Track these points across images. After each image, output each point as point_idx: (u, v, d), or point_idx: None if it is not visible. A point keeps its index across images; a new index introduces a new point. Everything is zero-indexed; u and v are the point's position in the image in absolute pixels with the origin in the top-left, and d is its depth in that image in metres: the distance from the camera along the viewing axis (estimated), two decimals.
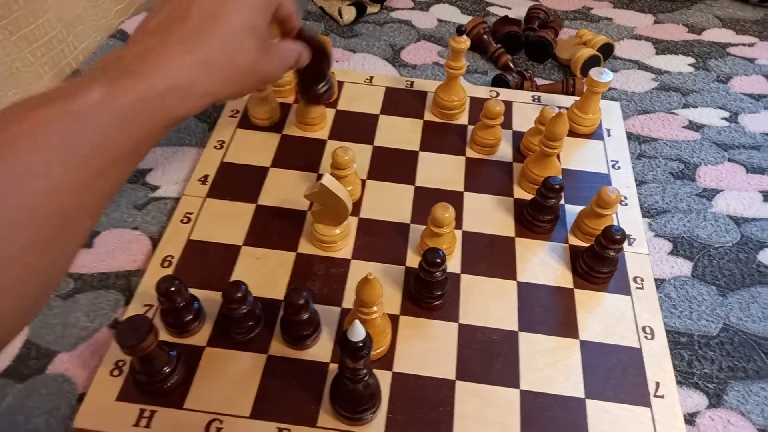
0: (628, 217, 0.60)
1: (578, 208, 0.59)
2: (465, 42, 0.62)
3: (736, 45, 0.85)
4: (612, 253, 0.52)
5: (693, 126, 0.72)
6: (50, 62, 0.67)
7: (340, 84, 0.72)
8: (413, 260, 0.55)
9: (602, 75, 0.63)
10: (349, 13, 0.86)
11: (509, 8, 0.91)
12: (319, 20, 0.87)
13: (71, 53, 0.70)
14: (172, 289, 0.46)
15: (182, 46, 0.33)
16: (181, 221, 0.57)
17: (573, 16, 0.90)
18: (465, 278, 0.54)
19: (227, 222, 0.57)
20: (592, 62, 0.77)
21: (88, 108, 0.27)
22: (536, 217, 0.57)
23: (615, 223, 0.59)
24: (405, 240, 0.57)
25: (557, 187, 0.55)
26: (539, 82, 0.77)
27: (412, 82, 0.74)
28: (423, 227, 0.56)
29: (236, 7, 0.35)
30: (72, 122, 0.27)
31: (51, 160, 0.26)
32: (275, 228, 0.57)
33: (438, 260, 0.48)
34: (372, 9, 0.88)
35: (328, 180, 0.51)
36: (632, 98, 0.76)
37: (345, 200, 0.52)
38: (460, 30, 0.62)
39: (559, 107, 0.62)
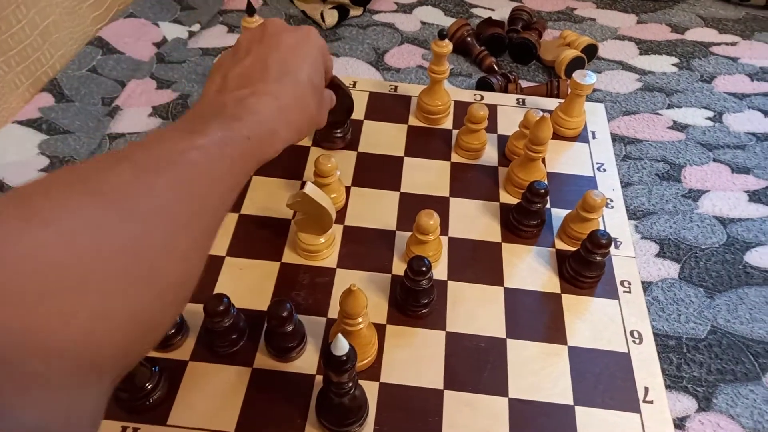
0: (615, 220, 0.60)
1: (565, 212, 0.59)
2: (447, 46, 0.62)
3: (719, 44, 0.85)
4: (598, 258, 0.51)
5: (678, 126, 0.72)
6: (26, 71, 0.66)
7: None
8: (399, 268, 0.54)
9: (585, 78, 0.63)
10: (332, 17, 0.85)
11: (493, 10, 0.91)
12: (301, 24, 0.86)
13: (47, 62, 0.68)
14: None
15: (269, 96, 0.37)
16: None
17: (556, 17, 0.90)
18: (452, 285, 0.54)
19: None
20: (576, 63, 0.77)
21: (212, 144, 0.30)
22: (522, 222, 0.57)
23: (601, 226, 0.59)
24: (390, 247, 0.56)
25: (542, 191, 0.54)
26: (524, 84, 0.77)
27: (396, 87, 0.73)
28: (409, 234, 0.56)
29: (303, 65, 0.41)
30: (200, 156, 0.30)
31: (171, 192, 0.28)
32: (259, 238, 0.57)
33: (423, 268, 0.47)
34: (354, 12, 0.88)
35: (310, 188, 0.50)
36: (617, 99, 0.76)
37: (328, 209, 0.51)
38: (442, 34, 0.61)
39: (544, 110, 0.62)
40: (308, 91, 0.41)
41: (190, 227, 0.28)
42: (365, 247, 0.56)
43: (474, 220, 0.59)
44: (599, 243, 0.50)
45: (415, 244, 0.53)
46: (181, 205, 0.28)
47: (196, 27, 0.82)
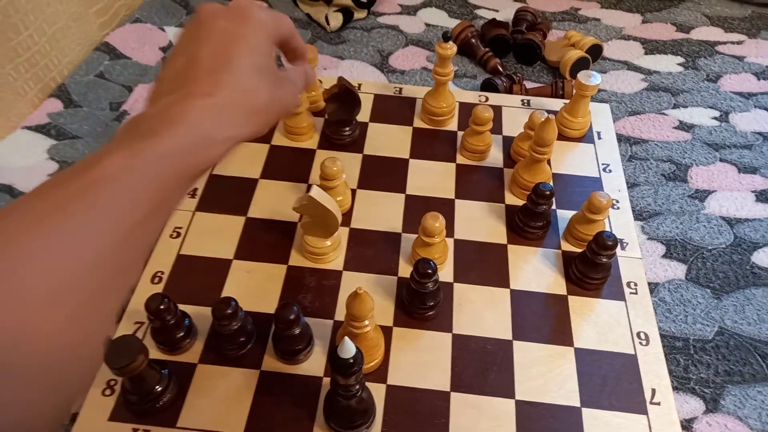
0: (621, 221, 0.60)
1: (570, 213, 0.59)
2: (451, 48, 0.62)
3: (724, 43, 0.85)
4: (604, 260, 0.51)
5: (684, 126, 0.72)
6: (34, 78, 0.66)
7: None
8: (405, 270, 0.55)
9: (590, 78, 0.63)
10: (336, 20, 0.85)
11: (497, 11, 0.91)
12: (306, 27, 0.87)
13: (55, 68, 0.69)
14: (162, 307, 0.45)
15: (198, 94, 0.33)
16: (171, 236, 0.57)
17: (561, 18, 0.90)
18: (458, 287, 0.54)
19: (217, 236, 0.57)
20: (581, 64, 0.77)
21: (110, 176, 0.28)
22: (528, 224, 0.57)
23: (607, 227, 0.59)
24: (396, 250, 0.57)
25: (547, 193, 0.54)
26: (528, 85, 0.77)
27: (401, 89, 0.74)
28: (415, 236, 0.56)
29: (242, 51, 0.35)
30: (97, 192, 0.27)
31: (82, 229, 0.26)
32: (265, 241, 0.57)
33: (429, 271, 0.47)
34: (359, 15, 0.88)
35: (316, 192, 0.50)
36: (622, 99, 0.76)
37: (334, 212, 0.51)
38: (446, 36, 0.61)
39: (549, 111, 0.62)
40: (254, 78, 0.36)
41: (96, 270, 0.26)
42: (371, 250, 0.57)
43: (479, 221, 0.59)
44: (605, 244, 0.50)
45: (421, 247, 0.53)
46: (79, 249, 0.26)
47: None
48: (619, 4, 0.93)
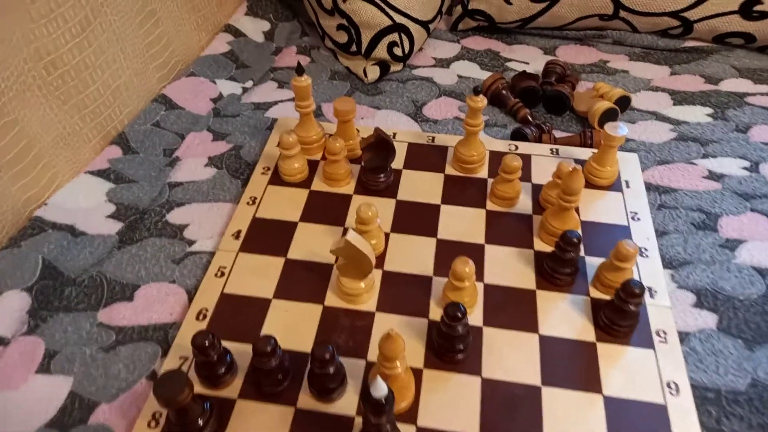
0: (649, 269, 0.61)
1: (599, 261, 0.60)
2: (482, 101, 0.66)
3: (754, 94, 0.86)
4: (632, 307, 0.52)
5: (713, 176, 0.73)
6: (97, 127, 0.73)
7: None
8: (436, 313, 0.57)
9: (617, 129, 0.65)
10: (374, 72, 0.91)
11: (527, 63, 0.95)
12: (345, 79, 0.92)
13: (117, 117, 0.76)
14: (206, 343, 0.48)
15: None
16: (215, 275, 0.60)
17: (590, 69, 0.93)
18: (487, 331, 0.55)
19: (258, 276, 0.60)
20: (609, 114, 0.80)
21: None
22: (556, 270, 0.58)
23: (636, 275, 0.59)
24: (428, 292, 0.59)
25: (575, 241, 0.56)
26: (557, 134, 0.80)
27: (434, 137, 0.77)
28: (445, 280, 0.58)
29: None
30: None
31: None
32: (303, 281, 0.60)
33: (459, 314, 0.49)
34: (395, 68, 0.93)
35: (352, 236, 0.53)
36: (651, 149, 0.78)
37: (369, 255, 0.54)
38: (477, 90, 0.65)
39: (577, 160, 0.64)
40: None
41: None
42: (403, 292, 0.59)
43: (509, 266, 0.61)
44: (632, 292, 0.51)
45: (451, 290, 0.55)
46: None
47: (249, 83, 0.89)
48: (647, 56, 0.95)
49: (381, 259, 0.62)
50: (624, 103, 0.83)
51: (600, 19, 0.95)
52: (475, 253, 0.62)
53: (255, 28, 0.98)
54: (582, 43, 1.00)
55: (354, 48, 0.91)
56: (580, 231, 0.61)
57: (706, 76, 0.90)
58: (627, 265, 0.56)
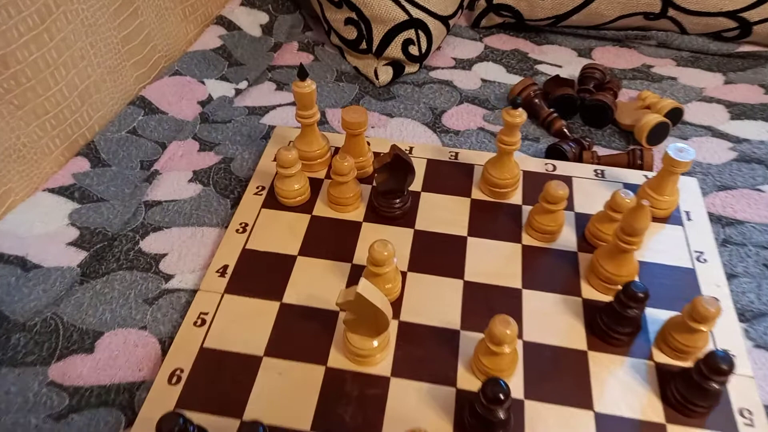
0: (722, 326, 0.50)
1: (660, 313, 0.50)
2: (520, 116, 0.55)
3: None
4: (715, 385, 0.42)
5: None
6: (61, 135, 0.62)
7: (375, 155, 0.65)
8: (465, 379, 0.46)
9: (682, 153, 0.55)
10: (386, 74, 0.79)
11: (560, 66, 0.84)
12: (353, 81, 0.81)
13: (85, 124, 0.64)
14: (176, 429, 0.38)
15: None
16: (195, 323, 0.50)
17: (632, 76, 0.82)
18: (529, 406, 0.45)
19: (247, 325, 0.50)
20: (659, 130, 0.69)
21: None
22: (613, 329, 0.48)
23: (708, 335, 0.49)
24: (454, 351, 0.48)
25: (641, 296, 0.45)
26: (600, 152, 0.69)
27: (457, 154, 0.66)
28: (475, 335, 0.47)
29: None
30: None
31: None
32: (301, 333, 0.49)
33: (501, 396, 0.39)
34: (410, 69, 0.82)
35: (364, 287, 0.42)
36: (709, 171, 0.67)
37: (384, 310, 0.43)
38: (516, 102, 0.54)
39: (626, 185, 0.54)
40: None
41: None
42: (424, 350, 0.48)
43: (552, 319, 0.50)
44: (718, 368, 0.41)
45: (486, 355, 0.45)
46: None
47: (243, 84, 0.78)
48: (697, 61, 0.84)
49: (396, 306, 0.51)
50: (676, 116, 0.72)
51: (645, 17, 0.84)
52: (511, 300, 0.51)
53: (251, 21, 0.86)
54: (621, 44, 0.88)
55: (364, 45, 0.79)
56: (638, 278, 0.51)
57: (765, 86, 0.79)
58: (704, 328, 0.45)
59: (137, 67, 0.71)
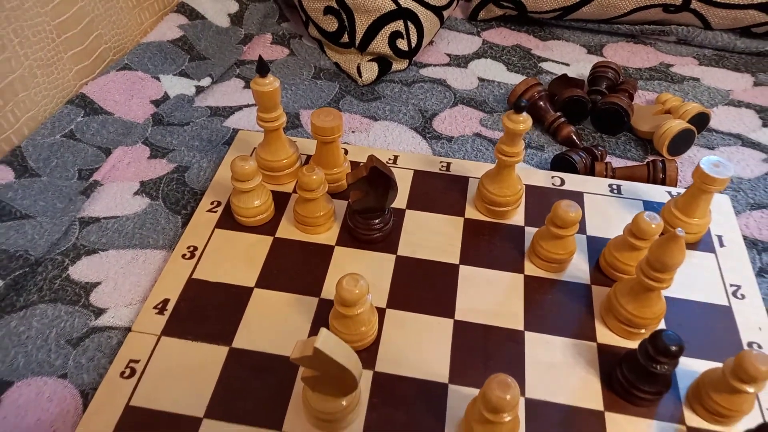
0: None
1: (691, 362, 0.41)
2: (525, 121, 0.45)
3: None
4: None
5: None
6: None
7: (352, 165, 0.55)
8: None
9: (719, 168, 0.45)
10: (370, 71, 0.70)
11: (567, 64, 0.75)
12: (333, 79, 0.72)
13: (10, 127, 0.55)
14: None
15: None
16: (122, 374, 0.40)
17: (649, 76, 0.73)
18: None
19: (186, 378, 0.40)
20: (683, 138, 0.60)
21: None
22: (637, 386, 0.38)
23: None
24: (441, 415, 0.39)
25: (674, 350, 0.36)
26: (614, 162, 0.59)
27: (449, 164, 0.57)
28: (467, 391, 0.38)
29: None
30: None
31: None
32: (254, 390, 0.40)
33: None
34: (398, 65, 0.73)
35: (324, 340, 0.33)
36: (740, 186, 0.58)
37: (351, 368, 0.34)
38: (519, 106, 0.45)
39: (646, 203, 0.45)
40: None
41: None
42: (404, 411, 0.39)
43: (561, 371, 0.41)
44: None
45: (481, 423, 0.35)
46: None
47: (206, 81, 0.68)
48: (722, 60, 0.75)
49: (371, 352, 0.42)
50: (701, 122, 0.63)
51: (664, 10, 0.74)
52: (513, 344, 0.43)
53: (218, 9, 0.76)
54: (636, 40, 0.79)
55: (346, 38, 0.70)
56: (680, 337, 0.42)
57: None
58: (752, 389, 0.36)
59: (77, 59, 0.61)
